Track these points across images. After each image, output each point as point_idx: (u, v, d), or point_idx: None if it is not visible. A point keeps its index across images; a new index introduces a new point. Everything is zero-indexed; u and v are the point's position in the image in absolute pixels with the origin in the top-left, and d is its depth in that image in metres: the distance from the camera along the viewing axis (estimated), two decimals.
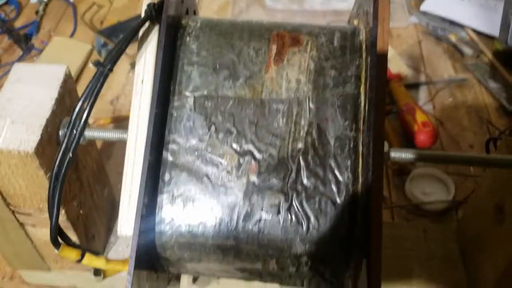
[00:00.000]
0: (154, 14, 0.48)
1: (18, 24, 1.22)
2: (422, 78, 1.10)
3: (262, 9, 1.24)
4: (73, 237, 0.66)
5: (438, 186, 0.89)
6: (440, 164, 0.90)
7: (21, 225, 0.64)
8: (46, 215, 0.61)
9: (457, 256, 0.74)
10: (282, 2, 1.26)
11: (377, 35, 0.47)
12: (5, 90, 0.58)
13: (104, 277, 0.53)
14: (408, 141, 0.97)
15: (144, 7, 0.50)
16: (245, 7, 1.24)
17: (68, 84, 0.60)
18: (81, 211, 0.65)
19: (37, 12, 1.24)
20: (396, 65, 1.10)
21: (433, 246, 0.77)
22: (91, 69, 1.11)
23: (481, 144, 0.96)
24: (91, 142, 0.69)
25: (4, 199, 0.60)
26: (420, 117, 0.97)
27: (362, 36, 0.51)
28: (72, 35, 1.20)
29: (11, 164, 0.55)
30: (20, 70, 0.60)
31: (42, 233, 0.65)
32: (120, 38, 0.47)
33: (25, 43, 1.15)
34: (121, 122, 0.98)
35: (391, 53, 1.13)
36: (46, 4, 1.27)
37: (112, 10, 1.27)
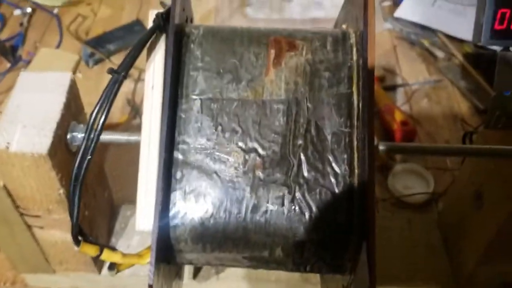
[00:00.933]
0: (162, 23, 0.52)
1: (3, 36, 1.23)
2: (399, 80, 1.16)
3: (244, 18, 1.29)
4: None
5: (418, 180, 0.95)
6: (422, 157, 0.96)
7: (29, 227, 0.67)
8: (55, 216, 0.65)
9: (440, 243, 0.79)
10: (263, 12, 1.31)
11: (368, 39, 0.52)
12: (14, 97, 0.61)
13: (118, 271, 0.56)
14: (388, 139, 1.02)
15: (151, 17, 0.53)
16: (227, 17, 1.29)
17: (74, 90, 0.63)
18: (86, 212, 0.68)
19: (21, 24, 1.26)
20: (374, 69, 1.16)
21: (417, 235, 0.82)
22: (79, 79, 1.14)
23: (456, 141, 1.03)
24: None
25: (14, 202, 0.63)
26: (399, 117, 1.02)
27: (353, 39, 0.56)
28: (58, 46, 1.22)
29: (24, 167, 0.57)
30: (26, 78, 0.63)
31: (49, 235, 0.68)
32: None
33: (12, 54, 1.17)
34: (113, 128, 1.01)
35: None
36: (30, 16, 1.29)
37: (97, 20, 1.30)
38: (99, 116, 0.49)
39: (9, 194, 0.62)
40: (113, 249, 0.53)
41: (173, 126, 0.52)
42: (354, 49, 0.55)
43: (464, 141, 0.74)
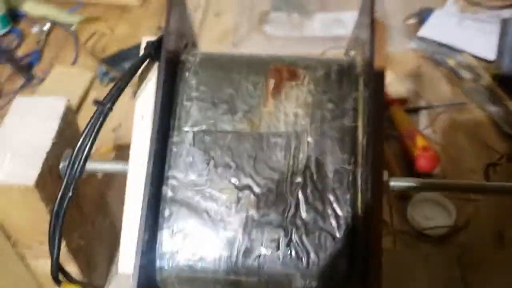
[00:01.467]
0: (153, 52, 0.49)
1: (20, 53, 1.23)
2: (422, 102, 1.10)
3: (262, 36, 1.25)
4: (74, 269, 0.66)
5: (439, 210, 0.89)
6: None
7: (22, 257, 0.64)
8: (47, 247, 0.62)
9: (459, 282, 0.73)
10: (282, 29, 1.27)
11: (373, 68, 0.48)
12: (6, 123, 0.58)
13: None
14: (409, 166, 0.97)
15: (143, 45, 0.50)
16: (245, 35, 1.26)
17: (69, 116, 0.61)
18: (82, 242, 0.65)
19: (38, 41, 1.25)
20: (396, 90, 1.11)
21: (435, 272, 0.77)
22: (93, 98, 1.12)
23: (482, 169, 0.96)
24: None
25: (5, 232, 0.60)
26: (420, 142, 0.97)
27: (360, 68, 0.52)
28: (73, 63, 1.21)
29: (11, 198, 0.55)
30: (21, 103, 0.61)
31: (43, 265, 0.65)
32: (119, 74, 0.48)
33: (27, 72, 1.16)
34: (122, 150, 0.98)
35: (391, 78, 1.14)
36: (48, 33, 1.28)
37: (114, 38, 1.28)
38: (82, 150, 0.46)
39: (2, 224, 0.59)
40: None
41: (162, 160, 0.49)
42: (361, 79, 0.51)
43: (487, 173, 0.69)
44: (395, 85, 1.11)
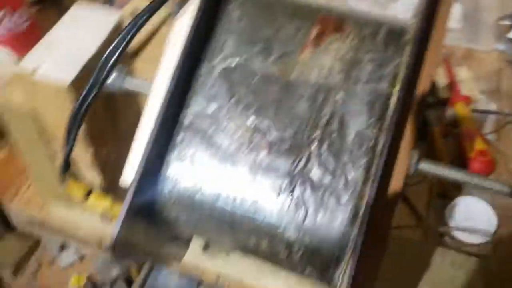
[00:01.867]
0: None
1: None
2: (494, 107, 1.03)
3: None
4: (97, 180, 0.68)
5: (480, 218, 0.84)
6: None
7: (52, 155, 0.67)
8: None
9: None
10: (363, 4, 1.22)
11: (421, 33, 0.45)
12: (58, 26, 0.60)
13: (112, 219, 0.53)
14: (462, 167, 0.91)
15: None
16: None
17: (120, 30, 0.62)
18: (112, 157, 0.67)
19: None
20: (469, 87, 1.04)
21: (458, 280, 0.73)
22: (161, 33, 1.14)
23: None
24: (133, 95, 0.70)
25: (39, 127, 0.63)
26: (479, 145, 0.91)
27: (410, 36, 0.48)
28: None
29: (47, 94, 0.57)
30: (78, 9, 0.63)
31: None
32: None
33: None
34: None
35: (466, 74, 1.07)
36: None
37: None
38: (110, 57, 0.46)
39: (37, 119, 0.62)
40: (104, 194, 0.51)
41: (186, 87, 0.48)
42: (408, 47, 0.48)
43: None
44: (468, 82, 1.05)
